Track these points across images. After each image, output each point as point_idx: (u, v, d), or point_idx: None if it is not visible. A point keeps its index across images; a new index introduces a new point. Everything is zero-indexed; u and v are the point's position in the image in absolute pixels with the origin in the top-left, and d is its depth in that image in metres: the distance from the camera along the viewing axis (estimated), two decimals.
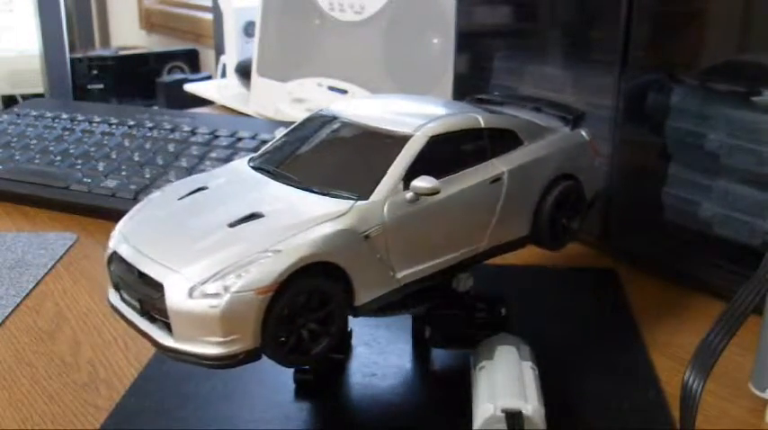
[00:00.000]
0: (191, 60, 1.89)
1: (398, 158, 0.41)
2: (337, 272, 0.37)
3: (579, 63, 0.62)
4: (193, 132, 0.82)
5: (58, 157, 0.78)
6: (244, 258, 0.36)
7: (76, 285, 0.59)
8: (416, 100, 0.49)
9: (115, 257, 0.40)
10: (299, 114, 0.93)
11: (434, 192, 0.40)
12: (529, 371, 0.40)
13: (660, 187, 0.58)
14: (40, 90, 1.13)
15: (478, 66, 0.71)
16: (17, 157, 0.79)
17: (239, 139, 0.79)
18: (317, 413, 0.44)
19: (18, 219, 0.72)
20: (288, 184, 0.41)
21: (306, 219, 0.38)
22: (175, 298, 0.36)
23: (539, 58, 0.65)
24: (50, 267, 0.62)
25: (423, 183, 0.40)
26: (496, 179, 0.44)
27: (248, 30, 1.12)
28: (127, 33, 2.36)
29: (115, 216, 0.70)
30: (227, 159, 0.75)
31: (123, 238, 0.40)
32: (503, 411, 0.38)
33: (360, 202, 0.39)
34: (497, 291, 0.47)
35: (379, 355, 0.48)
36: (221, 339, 0.36)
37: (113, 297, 0.41)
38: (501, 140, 0.45)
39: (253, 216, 0.38)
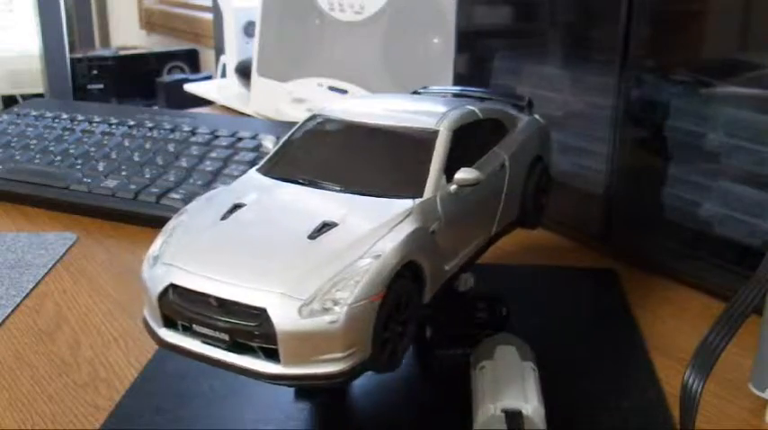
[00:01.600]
0: (191, 60, 1.89)
1: (436, 153, 0.41)
2: (416, 271, 0.37)
3: (579, 63, 0.62)
4: (193, 132, 0.82)
5: (58, 157, 0.78)
6: (346, 268, 0.34)
7: (76, 285, 0.59)
8: (405, 98, 0.50)
9: (174, 291, 0.36)
10: (298, 114, 0.93)
11: (477, 182, 0.41)
12: (529, 372, 0.40)
13: (660, 187, 0.58)
14: (40, 90, 1.13)
15: (478, 66, 0.71)
16: (17, 157, 0.79)
17: (239, 139, 0.79)
18: (317, 413, 0.44)
19: (18, 219, 0.72)
20: (334, 191, 0.40)
21: (382, 223, 0.37)
22: (285, 320, 0.33)
23: (539, 58, 0.65)
24: (50, 267, 0.62)
25: (466, 174, 0.41)
26: (502, 166, 0.46)
27: (248, 30, 1.12)
28: (127, 33, 2.36)
29: (115, 216, 0.71)
30: (227, 159, 0.75)
31: (176, 269, 0.36)
32: (503, 411, 0.38)
33: (418, 200, 0.39)
34: (497, 291, 0.48)
35: None
36: (341, 354, 0.34)
37: (171, 335, 0.37)
38: (494, 129, 0.47)
39: (326, 225, 0.37)
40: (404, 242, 0.36)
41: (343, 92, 0.91)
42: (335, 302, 0.34)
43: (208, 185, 0.71)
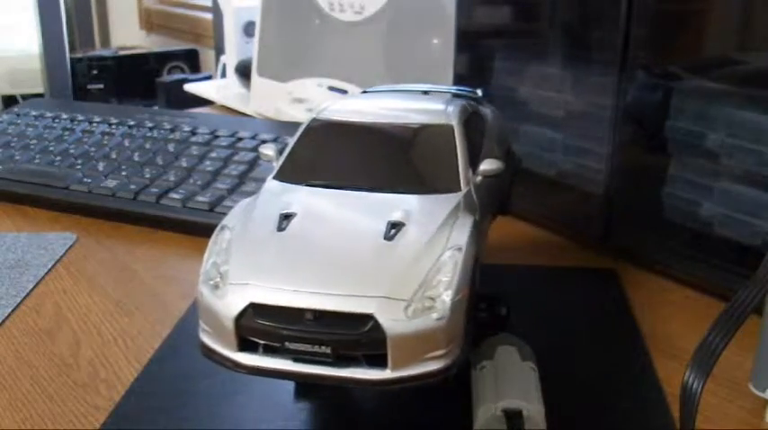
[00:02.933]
0: (191, 60, 1.89)
1: (459, 148, 0.42)
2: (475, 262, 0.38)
3: (579, 63, 0.62)
4: (193, 132, 0.82)
5: (58, 157, 0.78)
6: (435, 265, 0.35)
7: (76, 285, 0.59)
8: (395, 97, 0.50)
9: (254, 311, 0.34)
10: (298, 114, 0.93)
11: (500, 172, 0.42)
12: (529, 372, 0.40)
13: (660, 187, 0.58)
14: (40, 90, 1.13)
15: (478, 66, 0.71)
16: (17, 157, 0.79)
17: (239, 139, 0.79)
18: (317, 413, 0.44)
19: (18, 219, 0.72)
20: (374, 192, 0.40)
21: (443, 218, 0.38)
22: (394, 323, 0.33)
23: (539, 58, 0.65)
24: (50, 267, 0.62)
25: (490, 165, 0.42)
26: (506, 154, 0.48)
27: (248, 30, 1.12)
28: (127, 33, 2.36)
29: (115, 216, 0.71)
30: (227, 159, 0.75)
31: (254, 287, 0.34)
32: (503, 411, 0.38)
33: (460, 193, 0.40)
34: (498, 291, 0.47)
35: None
36: (443, 351, 0.34)
37: (251, 358, 0.35)
38: (478, 122, 0.48)
39: (395, 226, 0.37)
40: (472, 234, 0.37)
41: (344, 92, 0.91)
42: (436, 299, 0.34)
43: (208, 185, 0.71)
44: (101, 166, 0.76)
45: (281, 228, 0.37)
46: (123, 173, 0.74)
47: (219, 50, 1.26)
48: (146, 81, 1.73)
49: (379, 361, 0.34)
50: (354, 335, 0.33)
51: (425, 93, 0.51)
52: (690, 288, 0.57)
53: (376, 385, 0.34)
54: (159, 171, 0.74)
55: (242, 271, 0.35)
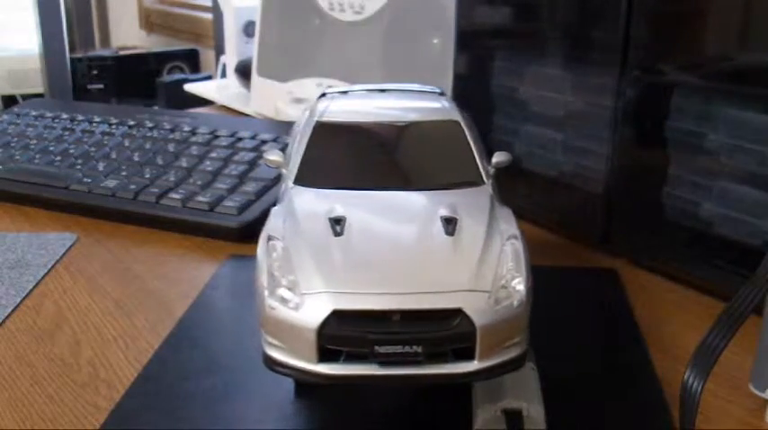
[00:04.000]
0: (191, 60, 1.89)
1: (471, 142, 0.44)
2: None
3: (579, 63, 0.62)
4: (193, 132, 0.82)
5: (58, 157, 0.78)
6: (501, 254, 0.36)
7: (76, 285, 0.59)
8: (387, 96, 0.51)
9: (338, 320, 0.34)
10: (299, 114, 0.93)
11: (510, 163, 0.43)
12: (529, 372, 0.40)
13: (660, 187, 0.58)
14: (40, 90, 1.13)
15: (478, 66, 0.71)
16: (17, 157, 0.79)
17: (239, 139, 0.79)
18: (317, 413, 0.44)
19: (18, 219, 0.72)
20: (408, 190, 0.40)
21: (488, 211, 0.39)
22: (482, 315, 0.33)
23: (539, 58, 0.65)
24: (50, 267, 0.62)
25: (502, 157, 0.43)
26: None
27: (248, 30, 1.12)
28: (127, 33, 2.37)
29: (115, 216, 0.71)
30: (227, 159, 0.75)
31: (335, 295, 0.34)
32: (503, 411, 0.38)
33: (487, 186, 0.41)
34: None
35: None
36: (519, 338, 0.35)
37: (335, 367, 0.34)
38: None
39: (449, 221, 0.37)
40: (516, 225, 0.38)
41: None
42: (510, 287, 0.35)
43: (208, 185, 0.71)
44: (101, 166, 0.76)
45: (338, 233, 0.36)
46: (123, 173, 0.74)
47: (219, 50, 1.26)
48: (146, 81, 1.73)
49: (465, 354, 0.34)
50: (445, 331, 0.33)
51: (382, 91, 0.51)
52: (690, 288, 0.58)
53: (465, 378, 0.34)
54: (159, 171, 0.74)
55: (314, 279, 0.34)
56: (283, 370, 0.35)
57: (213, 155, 0.76)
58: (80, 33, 2.26)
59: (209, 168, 0.74)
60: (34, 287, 0.59)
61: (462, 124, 0.45)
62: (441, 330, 0.33)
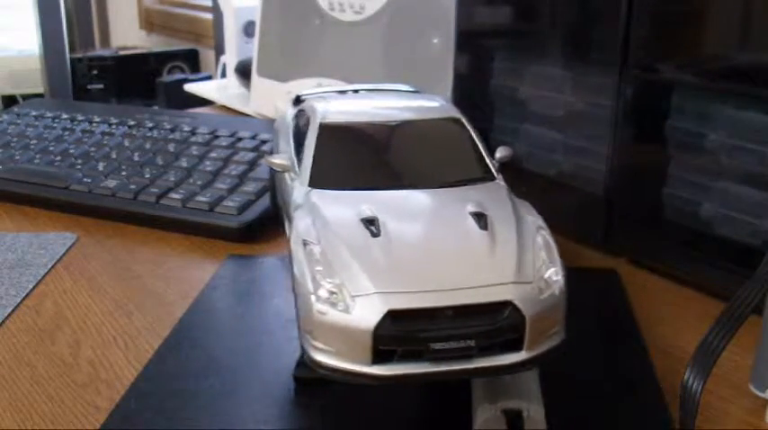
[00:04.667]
0: (191, 60, 1.89)
1: (475, 138, 0.44)
2: None
3: (579, 63, 0.62)
4: (193, 132, 0.82)
5: (58, 157, 0.78)
6: (535, 245, 0.37)
7: (76, 285, 0.59)
8: (383, 96, 0.51)
9: (392, 320, 0.33)
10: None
11: (512, 158, 0.44)
12: (529, 372, 0.40)
13: (660, 187, 0.58)
14: (40, 90, 1.13)
15: (478, 66, 0.71)
16: (17, 157, 0.79)
17: (239, 139, 0.79)
18: (317, 412, 0.44)
19: (18, 219, 0.72)
20: (428, 188, 0.40)
21: (510, 204, 0.40)
22: (530, 305, 0.34)
23: (539, 58, 0.65)
24: (50, 267, 0.62)
25: (505, 152, 0.44)
26: None
27: (248, 30, 1.12)
28: (127, 33, 2.37)
29: (115, 216, 0.71)
30: (227, 159, 0.75)
31: (387, 295, 0.34)
32: (503, 411, 0.38)
33: (499, 180, 0.42)
34: None
35: None
36: (560, 326, 0.36)
37: (389, 368, 0.34)
38: None
39: (479, 215, 0.38)
40: (538, 214, 0.39)
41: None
42: (548, 277, 0.36)
43: (208, 185, 0.71)
44: (101, 166, 0.76)
45: (375, 234, 0.36)
46: (123, 173, 0.74)
47: (219, 50, 1.26)
48: (146, 81, 1.73)
49: (512, 345, 0.34)
50: (497, 324, 0.34)
51: (356, 92, 0.52)
52: (690, 288, 0.57)
53: (514, 369, 0.35)
54: (159, 171, 0.74)
55: (362, 281, 0.34)
56: (334, 374, 0.35)
57: (213, 155, 0.76)
58: (80, 33, 2.26)
59: (209, 168, 0.74)
60: (34, 287, 0.59)
61: (464, 121, 0.45)
62: (492, 323, 0.34)
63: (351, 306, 0.33)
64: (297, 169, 0.44)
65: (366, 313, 0.33)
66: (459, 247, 0.36)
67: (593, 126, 0.61)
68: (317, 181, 0.42)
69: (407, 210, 0.39)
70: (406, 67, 0.84)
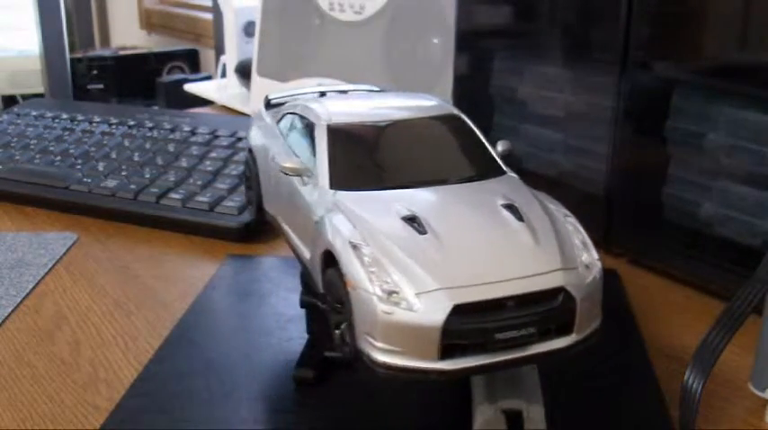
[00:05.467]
0: (191, 60, 1.89)
1: (477, 134, 0.44)
2: None
3: (579, 63, 0.62)
4: (193, 132, 0.82)
5: (58, 157, 0.78)
6: (568, 232, 0.38)
7: (76, 285, 0.59)
8: (379, 96, 0.52)
9: (458, 314, 0.34)
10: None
11: (511, 151, 0.44)
12: (529, 371, 0.40)
13: (660, 187, 0.58)
14: (40, 90, 1.13)
15: (478, 66, 0.71)
16: (17, 157, 0.79)
17: (239, 139, 0.79)
18: (317, 412, 0.44)
19: (18, 219, 0.72)
20: (449, 184, 0.41)
21: (531, 195, 0.41)
22: (580, 289, 0.36)
23: (539, 58, 0.65)
24: (50, 267, 0.62)
25: (506, 145, 0.44)
26: None
27: (248, 30, 1.12)
28: (127, 33, 2.37)
29: (115, 216, 0.71)
30: (227, 159, 0.75)
31: (452, 290, 0.34)
32: (503, 411, 0.38)
33: (510, 173, 0.43)
34: None
35: None
36: (599, 308, 0.38)
37: (454, 363, 0.34)
38: None
39: (511, 207, 0.39)
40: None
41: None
42: (586, 261, 0.37)
43: (208, 185, 0.71)
44: (101, 166, 0.76)
45: (422, 232, 0.36)
46: (123, 173, 0.74)
47: (219, 50, 1.26)
48: (146, 81, 1.73)
49: (564, 329, 0.36)
50: (553, 310, 0.35)
51: (322, 94, 0.52)
52: (690, 288, 0.57)
53: (567, 351, 0.36)
54: (159, 171, 0.74)
55: (422, 279, 0.34)
56: (401, 374, 0.35)
57: (213, 155, 0.76)
58: (80, 33, 2.26)
59: (210, 168, 0.74)
60: (34, 287, 0.59)
61: (464, 117, 0.45)
62: (549, 309, 0.35)
63: (415, 304, 0.34)
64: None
65: (433, 309, 0.33)
66: (504, 239, 0.37)
67: (593, 126, 0.61)
68: (338, 183, 0.41)
69: (441, 206, 0.39)
70: (406, 67, 0.84)
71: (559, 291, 0.35)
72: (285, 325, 0.52)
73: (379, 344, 0.34)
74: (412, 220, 0.37)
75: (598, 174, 0.61)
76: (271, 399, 0.44)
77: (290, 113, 0.49)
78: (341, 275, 0.36)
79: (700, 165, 0.55)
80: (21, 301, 0.57)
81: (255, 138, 0.51)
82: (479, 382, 0.40)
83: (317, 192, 0.41)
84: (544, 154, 0.66)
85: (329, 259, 0.37)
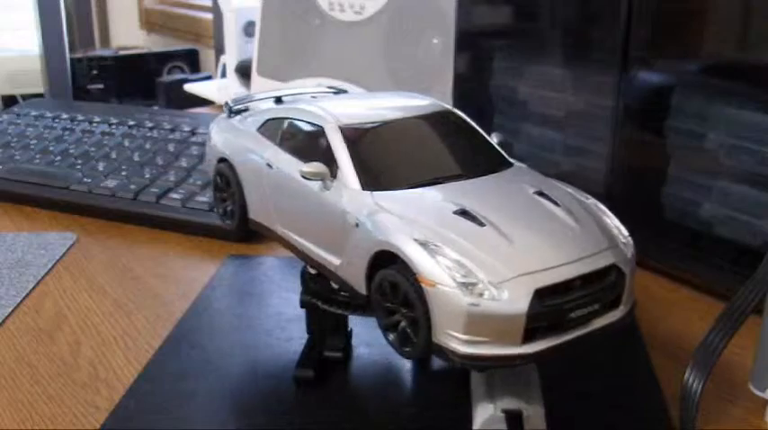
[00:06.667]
0: (191, 60, 1.89)
1: (477, 129, 0.45)
2: None
3: (579, 63, 0.62)
4: (193, 132, 0.82)
5: (58, 157, 0.78)
6: (595, 214, 0.40)
7: (76, 285, 0.59)
8: (369, 96, 0.53)
9: (540, 298, 0.35)
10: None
11: (505, 142, 0.46)
12: (529, 371, 0.40)
13: (660, 187, 0.58)
14: (40, 90, 1.13)
15: (478, 66, 0.71)
16: (17, 157, 0.79)
17: None
18: (317, 412, 0.44)
19: (18, 219, 0.72)
20: (475, 177, 0.42)
21: (550, 181, 0.43)
22: (627, 265, 0.38)
23: (539, 58, 0.65)
24: (50, 267, 0.62)
25: (500, 138, 0.46)
26: None
27: (248, 30, 1.12)
28: (127, 33, 2.37)
29: (115, 216, 0.71)
30: None
31: (530, 276, 0.35)
32: (503, 411, 0.38)
33: (519, 164, 0.44)
34: None
35: (379, 355, 0.48)
36: (633, 284, 0.39)
37: (535, 345, 0.35)
38: None
39: (542, 194, 0.40)
40: None
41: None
42: (622, 238, 0.40)
43: (208, 185, 0.71)
44: (101, 166, 0.76)
45: (481, 224, 0.37)
46: (123, 173, 0.74)
47: (219, 50, 1.26)
48: (146, 81, 1.73)
49: (614, 303, 0.38)
50: (609, 286, 0.37)
51: (279, 99, 0.52)
52: (690, 288, 0.57)
53: (620, 323, 0.38)
54: (159, 171, 0.74)
55: (498, 269, 0.35)
56: (486, 363, 0.36)
57: None
58: (80, 33, 2.25)
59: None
60: (34, 287, 0.59)
61: (458, 113, 0.46)
62: (607, 286, 0.37)
63: (497, 293, 0.34)
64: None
65: (516, 297, 0.35)
66: (553, 224, 0.38)
67: (594, 126, 0.61)
68: (369, 184, 0.41)
69: (482, 198, 0.39)
70: (406, 67, 0.84)
71: (612, 267, 0.37)
72: (285, 325, 0.52)
73: (464, 337, 0.35)
74: (464, 214, 0.38)
75: (598, 174, 0.61)
76: (271, 399, 0.44)
77: (275, 119, 0.47)
78: (408, 274, 0.36)
79: (700, 165, 0.55)
80: (21, 301, 0.57)
81: (229, 146, 0.48)
82: (479, 382, 0.40)
83: (346, 194, 0.40)
84: (544, 154, 0.66)
85: (381, 260, 0.37)
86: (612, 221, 0.41)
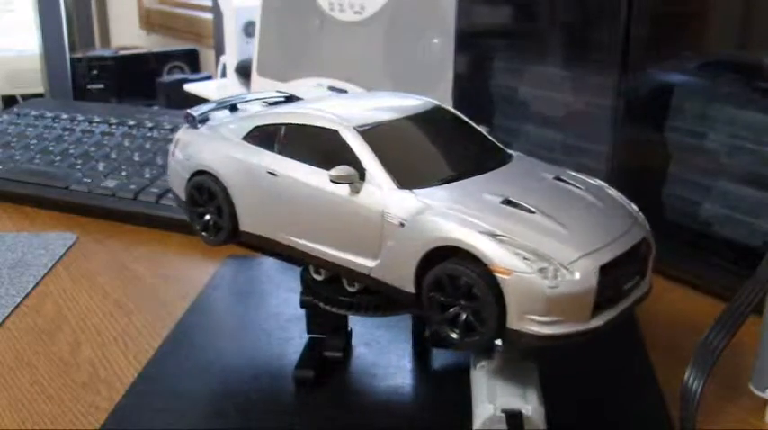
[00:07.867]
0: (191, 60, 1.89)
1: (472, 124, 0.46)
2: None
3: (579, 63, 0.62)
4: None
5: (58, 157, 0.78)
6: (615, 195, 0.43)
7: (76, 285, 0.59)
8: (371, 95, 0.54)
9: (603, 272, 0.37)
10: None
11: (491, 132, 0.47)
12: (529, 371, 0.40)
13: (660, 187, 0.58)
14: (40, 90, 1.12)
15: (478, 66, 0.71)
16: (17, 157, 0.79)
17: None
18: (317, 412, 0.44)
19: (18, 219, 0.72)
20: (494, 170, 0.42)
21: (560, 168, 0.44)
22: (651, 239, 0.41)
23: (539, 58, 0.65)
24: (50, 267, 0.62)
25: (486, 129, 0.46)
26: None
27: (248, 30, 1.12)
28: (127, 33, 2.36)
29: (115, 216, 0.71)
30: None
31: (592, 256, 0.37)
32: (503, 411, 0.38)
33: (521, 155, 0.45)
34: None
35: (379, 355, 0.48)
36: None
37: (600, 317, 0.38)
38: None
39: (562, 180, 0.42)
40: None
41: (343, 92, 0.91)
42: (639, 214, 0.42)
43: None
44: (101, 166, 0.76)
45: (530, 211, 0.39)
46: (123, 173, 0.74)
47: (219, 50, 1.26)
48: (146, 81, 1.73)
49: (643, 276, 0.41)
50: (644, 257, 0.40)
51: (233, 107, 0.51)
52: (690, 288, 0.57)
53: (647, 295, 0.41)
54: (159, 171, 0.74)
55: (563, 251, 0.37)
56: (560, 341, 0.37)
57: None
58: (80, 33, 2.25)
59: None
60: (34, 287, 0.59)
61: (449, 108, 0.47)
62: (642, 258, 0.40)
63: (568, 274, 0.36)
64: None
65: (586, 275, 0.37)
66: (587, 205, 0.40)
67: (593, 126, 0.61)
68: (404, 182, 0.40)
69: (517, 187, 0.41)
70: (406, 67, 0.84)
71: (643, 241, 0.40)
72: (285, 324, 0.52)
73: (544, 319, 0.37)
74: (510, 203, 0.39)
75: (598, 174, 0.61)
76: (271, 399, 0.44)
77: (266, 125, 0.46)
78: (474, 266, 0.37)
79: (700, 165, 0.55)
80: (21, 301, 0.57)
81: (209, 157, 0.46)
82: (479, 382, 0.40)
83: (382, 195, 0.40)
84: (544, 154, 0.66)
85: (437, 256, 0.38)
86: (624, 200, 0.43)
